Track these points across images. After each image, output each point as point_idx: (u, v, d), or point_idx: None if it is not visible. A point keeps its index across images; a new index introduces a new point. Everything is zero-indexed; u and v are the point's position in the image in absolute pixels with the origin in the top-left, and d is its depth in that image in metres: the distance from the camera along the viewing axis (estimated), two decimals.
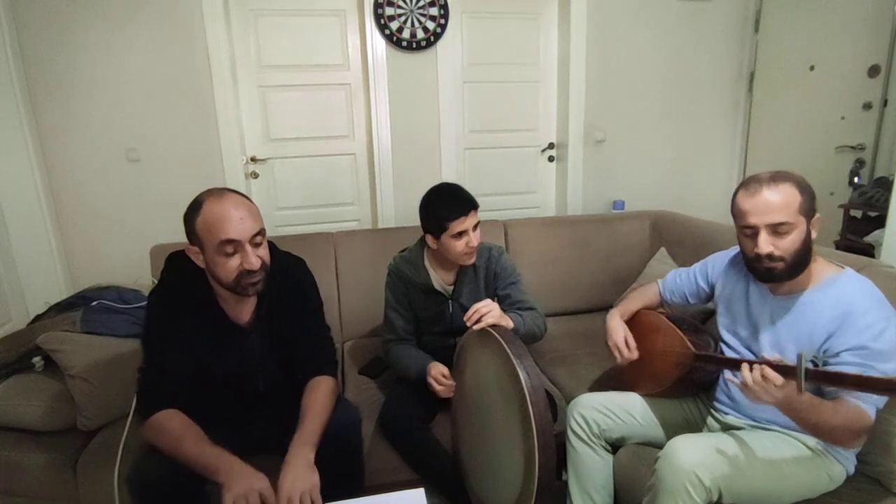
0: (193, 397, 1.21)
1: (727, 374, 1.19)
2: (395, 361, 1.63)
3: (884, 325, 1.06)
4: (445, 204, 1.51)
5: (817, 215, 1.13)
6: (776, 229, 1.10)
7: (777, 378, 0.97)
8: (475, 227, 1.53)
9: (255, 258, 1.16)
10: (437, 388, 1.47)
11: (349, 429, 1.30)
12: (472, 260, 1.58)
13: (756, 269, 1.16)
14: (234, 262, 1.15)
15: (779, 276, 1.14)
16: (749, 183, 1.15)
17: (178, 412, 1.16)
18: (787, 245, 1.10)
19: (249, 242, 1.15)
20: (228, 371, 1.27)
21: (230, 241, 1.13)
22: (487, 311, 1.31)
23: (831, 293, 1.13)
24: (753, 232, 1.13)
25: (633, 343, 1.42)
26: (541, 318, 1.57)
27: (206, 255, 1.16)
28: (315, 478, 1.10)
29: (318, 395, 1.27)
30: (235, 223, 1.12)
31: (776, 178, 1.12)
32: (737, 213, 1.17)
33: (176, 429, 1.13)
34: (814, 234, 1.13)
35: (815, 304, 1.14)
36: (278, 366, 1.32)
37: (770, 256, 1.11)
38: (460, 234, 1.50)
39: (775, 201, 1.10)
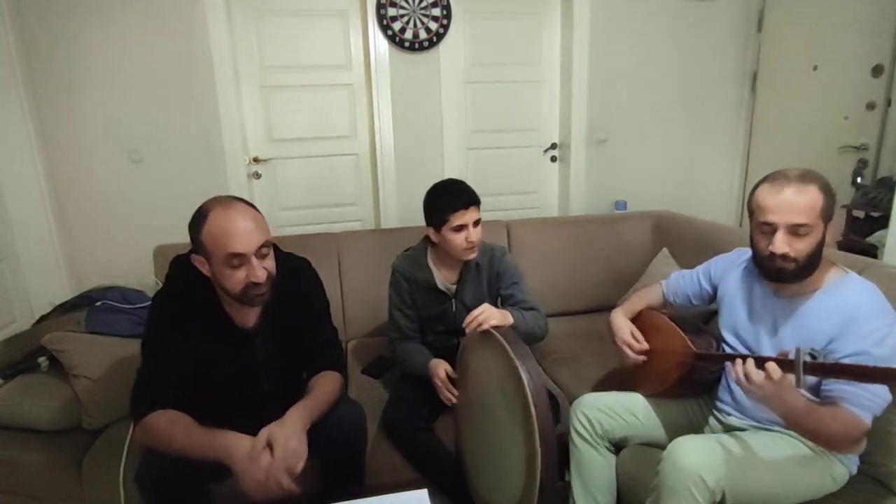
0: (197, 399, 1.20)
1: (729, 368, 1.18)
2: (402, 359, 1.64)
3: (886, 332, 1.05)
4: (447, 197, 1.54)
5: (833, 220, 1.11)
6: (795, 230, 1.08)
7: (776, 370, 0.97)
8: (476, 223, 1.54)
9: (262, 271, 1.13)
10: (445, 395, 1.50)
11: (353, 427, 1.30)
12: (473, 255, 1.59)
13: (766, 266, 1.14)
14: (241, 274, 1.13)
15: (788, 277, 1.12)
16: (776, 178, 1.11)
17: (165, 411, 1.14)
18: (802, 247, 1.08)
19: (255, 255, 1.12)
20: (233, 374, 1.27)
21: (236, 255, 1.10)
22: (485, 318, 1.31)
23: (835, 297, 1.13)
24: (771, 229, 1.10)
25: (640, 335, 1.42)
26: (542, 318, 1.57)
27: (212, 266, 1.14)
28: (303, 448, 1.10)
29: (324, 381, 1.29)
30: (242, 236, 1.10)
31: (804, 177, 1.09)
32: (756, 207, 1.13)
33: (163, 428, 1.12)
34: (828, 239, 1.11)
35: (819, 308, 1.14)
36: (283, 368, 1.32)
37: (784, 256, 1.09)
38: (460, 228, 1.52)
39: (800, 202, 1.07)
